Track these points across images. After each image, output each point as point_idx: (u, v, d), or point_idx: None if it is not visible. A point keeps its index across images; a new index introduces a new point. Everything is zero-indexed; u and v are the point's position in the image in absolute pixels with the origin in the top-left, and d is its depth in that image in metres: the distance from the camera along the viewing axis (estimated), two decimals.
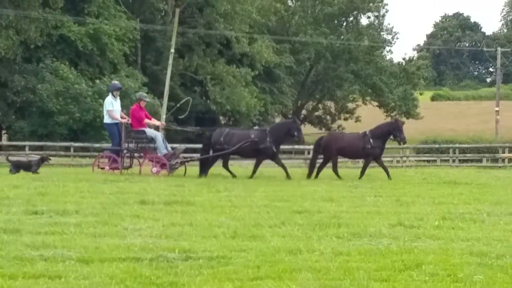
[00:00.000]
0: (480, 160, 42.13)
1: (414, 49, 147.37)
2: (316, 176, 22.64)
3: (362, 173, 22.67)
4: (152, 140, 22.59)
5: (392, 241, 10.29)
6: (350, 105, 73.09)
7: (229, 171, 22.96)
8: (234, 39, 57.35)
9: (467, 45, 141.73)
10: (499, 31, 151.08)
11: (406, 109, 69.90)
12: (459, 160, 41.74)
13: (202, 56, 56.67)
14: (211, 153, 23.00)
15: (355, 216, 12.79)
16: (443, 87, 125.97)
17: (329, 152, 22.91)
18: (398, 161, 42.24)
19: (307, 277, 8.23)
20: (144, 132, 22.71)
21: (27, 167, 22.20)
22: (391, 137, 23.12)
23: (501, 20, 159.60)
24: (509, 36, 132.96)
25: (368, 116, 69.08)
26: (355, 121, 67.83)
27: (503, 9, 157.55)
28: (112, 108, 22.84)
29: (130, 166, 23.07)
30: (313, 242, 10.19)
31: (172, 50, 52.37)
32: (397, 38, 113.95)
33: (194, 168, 24.38)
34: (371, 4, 70.16)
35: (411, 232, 11.16)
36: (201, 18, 57.21)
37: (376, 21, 72.63)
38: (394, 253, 9.49)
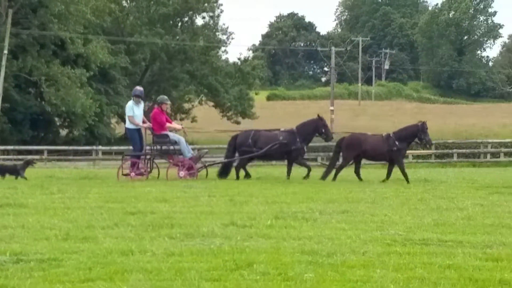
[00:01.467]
0: (315, 159, 43.03)
1: (249, 49, 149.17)
2: (334, 178, 22.13)
3: (405, 176, 21.85)
4: (175, 143, 22.43)
5: (224, 241, 10.39)
6: (186, 106, 73.21)
7: (246, 171, 22.80)
8: (68, 40, 56.31)
9: (302, 45, 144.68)
10: (334, 31, 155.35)
11: (242, 109, 70.55)
12: None
13: (37, 57, 55.35)
14: (236, 155, 22.96)
15: (188, 217, 12.85)
16: (278, 87, 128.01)
17: (351, 153, 22.39)
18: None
19: (139, 278, 8.24)
20: (167, 136, 22.54)
21: (13, 171, 21.90)
22: (416, 139, 22.64)
23: (335, 20, 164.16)
24: (343, 36, 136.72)
25: (204, 117, 69.48)
26: (191, 121, 67.96)
27: (337, 9, 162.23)
28: (133, 114, 22.49)
29: (150, 171, 22.60)
30: (146, 243, 10.19)
31: (5, 51, 51.23)
32: (232, 38, 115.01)
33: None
34: (206, 5, 70.41)
35: (244, 231, 11.29)
36: (35, 19, 55.88)
37: (211, 21, 73.01)
38: (226, 252, 9.58)
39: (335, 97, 69.14)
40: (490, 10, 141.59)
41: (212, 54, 71.35)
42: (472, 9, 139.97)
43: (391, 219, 12.90)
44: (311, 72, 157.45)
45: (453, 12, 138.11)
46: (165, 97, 23.91)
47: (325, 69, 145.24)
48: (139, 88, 23.78)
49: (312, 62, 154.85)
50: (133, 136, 22.73)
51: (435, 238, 10.82)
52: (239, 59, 75.65)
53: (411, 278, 8.46)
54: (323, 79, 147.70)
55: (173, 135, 22.71)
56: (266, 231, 11.38)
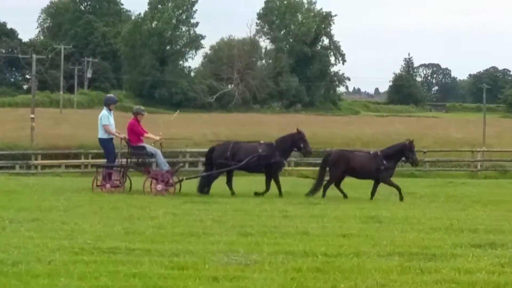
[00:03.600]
0: (14, 167, 42.01)
1: None
2: (324, 195, 21.57)
3: (399, 193, 21.47)
4: (152, 156, 21.68)
5: None
6: None
7: (231, 189, 21.86)
8: None
9: (3, 51, 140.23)
10: (36, 38, 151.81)
11: None
12: None
13: None
14: (215, 168, 22.01)
15: None
16: None
17: (338, 170, 21.83)
18: None
19: None
20: (144, 148, 21.70)
21: None
22: (403, 158, 22.22)
23: (37, 27, 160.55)
24: (45, 43, 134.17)
25: None
26: None
27: (40, 16, 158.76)
28: (109, 123, 21.57)
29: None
30: None
31: None
32: None
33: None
34: None
35: None
36: None
37: None
38: None
39: (37, 105, 67.69)
40: (192, 21, 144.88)
41: None
42: (175, 20, 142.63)
43: (81, 228, 12.95)
44: (12, 79, 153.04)
45: (156, 22, 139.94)
46: (142, 107, 23.22)
47: (27, 76, 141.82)
48: (113, 96, 23.10)
49: (14, 69, 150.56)
50: (108, 146, 21.85)
51: (124, 247, 10.99)
52: None
53: (94, 287, 8.54)
54: (25, 87, 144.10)
55: (150, 148, 21.96)
56: None
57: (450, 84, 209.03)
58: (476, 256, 10.84)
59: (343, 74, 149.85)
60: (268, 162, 21.81)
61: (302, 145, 22.22)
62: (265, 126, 62.76)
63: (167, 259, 10.29)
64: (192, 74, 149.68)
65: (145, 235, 12.35)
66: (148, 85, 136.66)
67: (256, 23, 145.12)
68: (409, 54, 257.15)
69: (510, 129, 75.36)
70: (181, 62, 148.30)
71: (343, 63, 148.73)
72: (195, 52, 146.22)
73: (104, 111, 21.97)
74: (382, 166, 21.60)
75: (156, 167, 22.50)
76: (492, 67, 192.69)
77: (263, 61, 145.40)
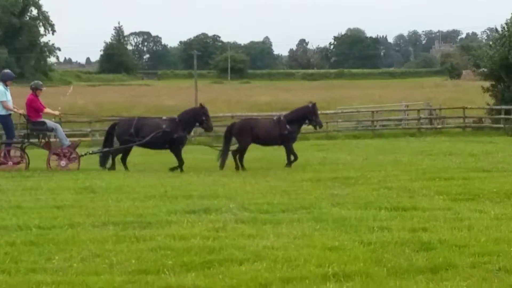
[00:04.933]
0: None
1: None
2: (242, 167, 21.35)
3: (289, 159, 21.51)
4: (53, 131, 21.28)
5: None
6: None
7: (124, 165, 21.37)
8: None
9: None
10: None
11: None
12: None
13: None
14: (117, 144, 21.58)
15: None
16: None
17: (244, 139, 21.68)
18: None
19: None
20: (44, 123, 21.24)
21: None
22: (307, 121, 22.13)
23: None
24: None
25: None
26: None
27: None
28: (6, 99, 20.96)
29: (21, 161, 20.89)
30: None
31: None
32: None
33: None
34: None
35: None
36: None
37: None
38: None
39: None
40: None
41: None
42: None
43: None
44: None
45: None
46: (40, 82, 22.47)
47: None
48: (10, 71, 22.26)
49: None
50: (7, 123, 21.30)
51: None
52: None
53: None
54: None
55: (50, 122, 21.44)
56: None
57: (161, 51, 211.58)
58: (191, 222, 11.08)
59: (53, 44, 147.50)
60: (171, 137, 21.52)
61: (203, 119, 21.90)
62: None
63: None
64: None
65: None
66: None
67: None
68: (119, 23, 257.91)
69: (221, 94, 77.82)
70: None
71: (53, 33, 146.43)
72: None
73: (1, 87, 21.19)
74: (286, 131, 21.73)
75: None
76: (202, 33, 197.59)
77: None
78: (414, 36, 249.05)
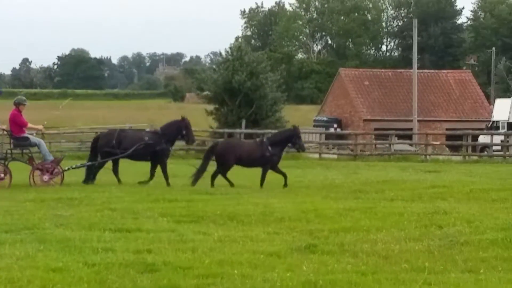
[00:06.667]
0: None
1: None
2: (212, 185, 20.99)
3: (262, 181, 21.49)
4: (36, 146, 21.19)
5: None
6: None
7: (117, 177, 21.49)
8: None
9: None
10: None
11: None
12: None
13: None
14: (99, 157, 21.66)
15: None
16: None
17: (226, 160, 21.50)
18: None
19: None
20: (27, 138, 21.10)
21: None
22: (290, 144, 22.11)
23: None
24: None
25: None
26: None
27: None
28: None
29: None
30: None
31: None
32: None
33: None
34: None
35: None
36: None
37: None
38: None
39: None
40: None
41: None
42: None
43: None
44: None
45: None
46: (23, 97, 22.00)
47: None
48: None
49: None
50: None
51: None
52: None
53: None
54: None
55: (33, 138, 21.40)
56: None
57: None
58: None
59: None
60: (154, 149, 21.60)
61: (185, 132, 22.05)
62: None
63: None
64: None
65: None
66: None
67: None
68: None
69: None
70: None
71: None
72: None
73: None
74: (268, 152, 21.57)
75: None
76: None
77: None
78: (138, 58, 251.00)
